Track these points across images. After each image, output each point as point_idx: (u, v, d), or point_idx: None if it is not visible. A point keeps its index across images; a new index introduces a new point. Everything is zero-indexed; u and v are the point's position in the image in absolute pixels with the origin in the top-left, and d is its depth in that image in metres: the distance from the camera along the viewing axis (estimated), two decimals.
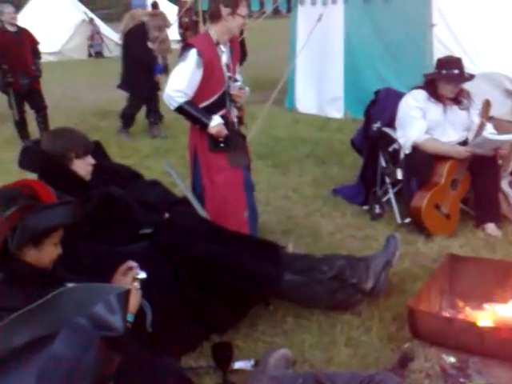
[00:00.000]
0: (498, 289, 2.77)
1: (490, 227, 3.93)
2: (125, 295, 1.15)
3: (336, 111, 8.37)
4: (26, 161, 2.76)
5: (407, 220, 4.15)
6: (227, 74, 3.51)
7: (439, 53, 6.45)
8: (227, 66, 3.52)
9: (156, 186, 3.20)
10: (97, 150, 2.96)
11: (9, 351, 1.05)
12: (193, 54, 3.37)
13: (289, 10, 9.50)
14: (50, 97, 9.45)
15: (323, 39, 8.11)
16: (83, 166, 2.81)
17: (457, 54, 6.22)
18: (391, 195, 4.42)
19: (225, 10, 3.37)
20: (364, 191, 4.69)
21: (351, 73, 8.04)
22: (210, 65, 3.40)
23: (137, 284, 2.18)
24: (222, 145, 3.44)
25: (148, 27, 7.42)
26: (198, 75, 3.38)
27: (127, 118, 7.65)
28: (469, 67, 5.42)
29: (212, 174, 3.53)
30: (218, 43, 3.47)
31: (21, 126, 7.39)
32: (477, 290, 2.81)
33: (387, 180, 4.46)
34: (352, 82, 7.98)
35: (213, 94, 3.48)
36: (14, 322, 1.07)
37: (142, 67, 7.26)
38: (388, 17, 7.51)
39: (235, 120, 3.61)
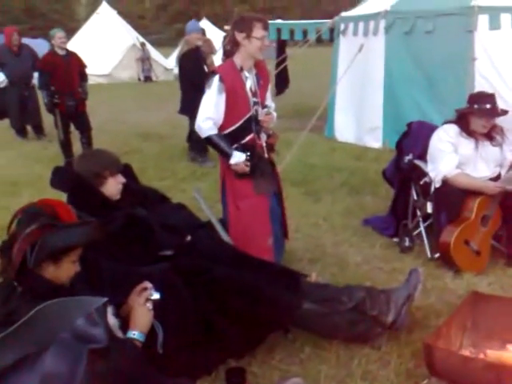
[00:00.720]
0: None
1: None
2: (103, 307, 1.20)
3: (374, 141, 8.36)
4: (56, 181, 2.89)
5: (437, 255, 4.09)
6: (253, 100, 3.58)
7: (480, 87, 6.41)
8: (253, 91, 3.59)
9: (181, 210, 3.28)
10: (126, 172, 3.06)
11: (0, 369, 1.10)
12: (215, 80, 3.48)
13: (331, 39, 9.62)
14: (97, 118, 9.81)
15: (364, 69, 8.17)
16: (115, 185, 2.94)
17: (498, 89, 6.21)
18: (422, 229, 4.37)
19: (240, 36, 3.46)
20: (395, 223, 4.65)
21: (391, 103, 8.03)
22: (232, 90, 3.48)
23: (149, 305, 2.24)
24: (247, 171, 3.50)
25: (203, 52, 7.55)
26: (222, 100, 3.48)
27: (198, 145, 7.31)
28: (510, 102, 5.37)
29: (237, 200, 3.58)
30: (242, 69, 3.56)
31: (65, 145, 7.63)
32: (500, 329, 2.75)
33: (418, 213, 4.42)
34: (391, 113, 7.97)
35: (238, 119, 3.55)
36: (2, 342, 1.12)
37: (199, 91, 7.32)
38: (429, 49, 7.49)
39: (264, 146, 3.66)
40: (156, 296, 2.28)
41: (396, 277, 3.87)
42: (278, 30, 10.72)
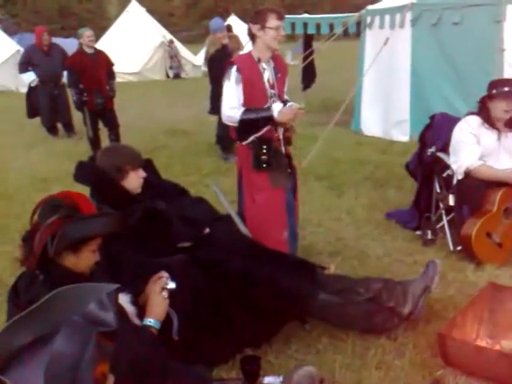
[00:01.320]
0: None
1: None
2: (114, 293, 1.27)
3: (401, 134, 8.30)
4: (80, 175, 2.98)
5: (459, 247, 4.07)
6: (270, 91, 3.61)
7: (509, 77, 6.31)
8: (270, 83, 3.62)
9: (200, 203, 3.34)
10: (147, 167, 3.13)
11: (14, 351, 1.18)
12: (233, 71, 3.53)
13: (358, 32, 9.57)
14: (126, 115, 9.98)
15: (390, 62, 8.13)
16: (136, 179, 3.01)
17: None
18: (444, 221, 4.35)
19: (254, 27, 3.51)
20: (417, 216, 4.64)
21: (417, 96, 7.97)
22: (249, 81, 3.53)
23: (165, 293, 2.31)
24: (264, 165, 3.53)
25: (231, 50, 7.54)
26: (240, 91, 3.53)
27: (224, 141, 7.42)
28: None
29: (253, 192, 3.62)
30: (259, 61, 3.59)
31: (94, 142, 7.80)
32: None
33: (441, 206, 4.40)
34: (418, 106, 7.90)
35: None
36: (16, 325, 1.19)
37: None
38: (456, 40, 7.41)
39: (281, 139, 3.69)
40: (172, 285, 2.35)
41: (417, 269, 3.85)
42: (305, 25, 10.71)
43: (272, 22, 3.47)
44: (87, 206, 2.11)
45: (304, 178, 6.10)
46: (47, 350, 1.19)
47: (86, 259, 2.12)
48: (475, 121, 3.98)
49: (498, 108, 3.88)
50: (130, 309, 2.28)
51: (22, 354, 1.20)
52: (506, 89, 3.80)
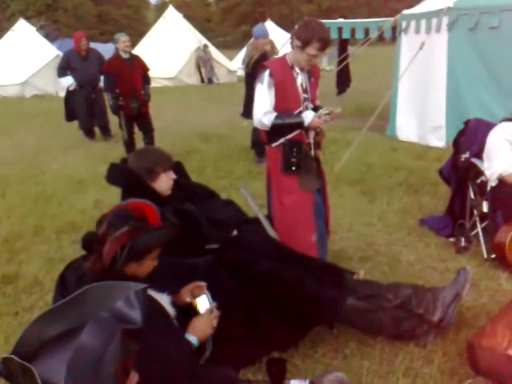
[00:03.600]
0: None
1: None
2: (142, 292, 1.29)
3: (437, 140, 8.18)
4: (112, 176, 3.04)
5: (493, 255, 3.98)
6: (303, 96, 3.61)
7: None
8: (303, 87, 3.61)
9: (229, 205, 3.36)
10: (177, 169, 3.17)
11: (43, 341, 1.22)
12: (265, 75, 3.54)
13: (394, 37, 9.49)
14: (162, 119, 10.14)
15: (426, 67, 8.03)
16: (166, 181, 3.07)
17: None
18: (479, 229, 4.27)
19: (296, 42, 3.48)
20: (451, 223, 4.56)
21: (454, 101, 7.85)
22: (281, 85, 3.52)
23: (215, 322, 2.41)
24: (293, 168, 3.53)
25: (268, 55, 7.45)
26: (272, 95, 3.54)
27: (259, 146, 7.38)
28: None
29: (282, 195, 3.62)
30: (293, 66, 3.59)
31: (129, 145, 7.91)
32: None
33: (475, 212, 4.32)
34: (455, 111, 7.77)
35: None
36: (47, 316, 1.24)
37: None
38: (494, 45, 7.28)
39: (311, 143, 3.68)
40: (212, 304, 2.45)
41: (449, 277, 3.78)
42: (340, 29, 10.67)
43: (312, 50, 3.43)
44: (154, 216, 2.19)
45: (336, 183, 6.08)
46: (73, 343, 1.23)
47: (146, 267, 2.20)
48: (510, 127, 3.90)
49: None
50: (170, 310, 2.33)
51: (49, 345, 1.24)
52: None
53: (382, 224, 4.97)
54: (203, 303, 2.48)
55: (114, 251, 2.04)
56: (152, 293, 2.27)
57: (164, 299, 2.38)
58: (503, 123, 4.00)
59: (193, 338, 2.35)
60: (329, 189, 4.01)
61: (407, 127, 8.83)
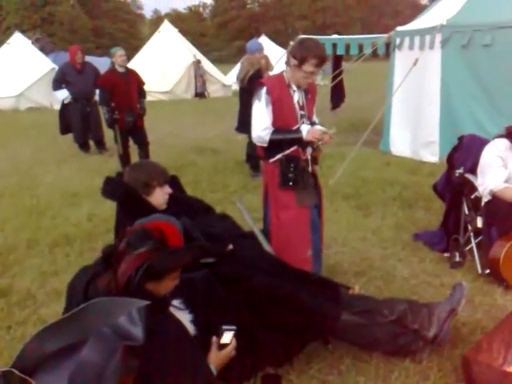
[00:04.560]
0: None
1: None
2: (145, 309, 1.29)
3: (431, 155, 8.24)
4: (107, 190, 3.04)
5: (487, 270, 3.99)
6: (300, 113, 3.63)
7: None
8: (300, 104, 3.63)
9: (224, 219, 3.36)
10: (173, 183, 3.18)
11: (42, 357, 1.21)
12: (263, 92, 3.56)
13: (388, 53, 9.57)
14: (157, 133, 10.14)
15: (420, 83, 8.10)
16: (162, 195, 3.08)
17: None
18: (473, 244, 4.28)
19: (292, 61, 3.51)
20: (446, 238, 4.57)
21: (447, 117, 7.92)
22: (278, 102, 3.55)
23: (233, 352, 2.45)
24: (291, 183, 3.55)
25: (262, 70, 7.45)
26: (270, 112, 3.56)
27: (254, 159, 7.46)
28: None
29: (279, 210, 3.63)
30: (289, 84, 3.62)
31: (124, 159, 7.91)
32: None
33: (469, 228, 4.34)
34: (448, 127, 7.84)
35: None
36: (49, 331, 1.23)
37: None
38: (487, 62, 7.38)
39: (309, 159, 3.69)
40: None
41: (444, 292, 3.79)
42: (334, 45, 10.77)
43: (309, 67, 3.46)
44: (175, 237, 2.17)
45: (331, 197, 6.09)
46: (74, 358, 1.22)
47: (165, 286, 2.18)
48: (503, 144, 3.96)
49: None
50: (190, 328, 2.34)
51: (50, 360, 1.23)
52: None
53: (377, 238, 4.98)
54: (228, 337, 2.46)
55: (129, 272, 2.02)
56: (173, 310, 2.27)
57: (185, 317, 2.37)
58: (496, 140, 4.04)
59: (212, 367, 2.34)
60: (324, 203, 4.01)
61: (401, 142, 8.89)
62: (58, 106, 10.73)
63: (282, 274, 2.94)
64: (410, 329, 2.90)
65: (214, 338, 2.43)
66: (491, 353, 2.60)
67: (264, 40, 22.94)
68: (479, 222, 4.10)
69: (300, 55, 3.45)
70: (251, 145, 7.13)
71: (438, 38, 7.82)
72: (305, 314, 2.78)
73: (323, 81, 19.79)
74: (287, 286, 2.83)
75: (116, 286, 2.03)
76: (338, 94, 12.35)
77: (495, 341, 2.67)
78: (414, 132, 8.58)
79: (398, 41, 8.79)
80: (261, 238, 3.38)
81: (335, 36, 12.01)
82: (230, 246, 3.05)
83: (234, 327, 2.45)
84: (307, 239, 3.63)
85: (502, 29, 7.13)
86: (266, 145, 3.62)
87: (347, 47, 10.59)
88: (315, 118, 3.83)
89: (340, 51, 10.82)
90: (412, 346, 2.92)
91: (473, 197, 4.26)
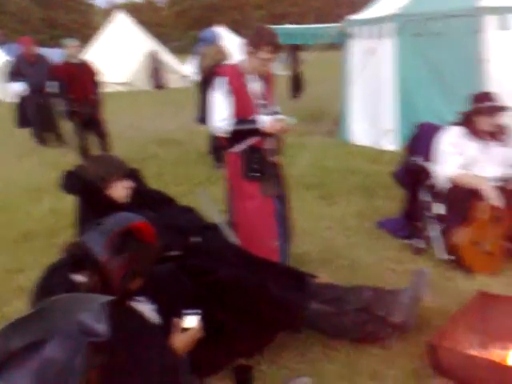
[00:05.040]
0: None
1: None
2: (108, 304, 1.27)
3: (390, 144, 8.34)
4: (67, 184, 2.99)
5: (450, 256, 4.08)
6: (259, 102, 3.63)
7: (492, 88, 6.37)
8: (258, 93, 3.64)
9: (188, 212, 3.34)
10: (134, 176, 3.14)
11: (7, 354, 1.18)
12: (222, 82, 3.56)
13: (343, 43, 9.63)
14: (116, 125, 9.95)
15: (375, 72, 8.19)
16: (122, 188, 3.04)
17: (510, 89, 6.17)
18: (434, 230, 4.37)
19: (248, 48, 3.52)
20: (407, 225, 4.66)
21: (405, 105, 8.02)
22: (237, 92, 3.55)
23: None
24: (255, 173, 3.55)
25: (218, 60, 7.42)
26: (228, 102, 3.55)
27: (217, 151, 7.26)
28: None
29: (244, 200, 3.63)
30: (247, 72, 3.61)
31: (83, 151, 7.74)
32: (509, 329, 2.75)
33: (426, 214, 4.42)
34: (406, 115, 7.93)
35: None
36: (11, 329, 1.20)
37: None
38: (439, 51, 7.49)
39: (270, 148, 3.69)
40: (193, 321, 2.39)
41: (408, 278, 3.85)
42: (289, 35, 10.78)
43: (263, 54, 3.48)
44: (150, 233, 2.24)
45: (295, 188, 6.09)
46: (38, 356, 1.20)
47: (139, 282, 2.24)
48: (457, 131, 4.06)
49: (483, 122, 3.97)
50: (155, 318, 2.34)
51: (14, 358, 1.20)
52: (491, 104, 3.89)
53: (341, 227, 5.03)
54: (192, 321, 2.42)
55: (118, 280, 2.09)
56: (133, 302, 2.25)
57: (147, 307, 2.34)
58: (451, 127, 4.15)
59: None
60: (287, 194, 4.03)
61: (360, 131, 8.96)
62: (10, 99, 10.42)
63: (248, 265, 2.94)
64: (376, 315, 2.94)
65: (175, 321, 2.39)
66: (456, 337, 2.68)
67: (222, 30, 22.76)
68: (438, 208, 4.18)
69: (254, 42, 3.46)
70: (214, 136, 7.12)
71: (391, 26, 7.89)
72: (273, 305, 2.78)
73: (281, 70, 19.83)
74: (254, 277, 2.83)
75: (106, 287, 2.04)
76: (297, 84, 12.39)
77: (459, 325, 2.74)
78: (373, 121, 8.66)
79: (350, 30, 8.83)
80: (226, 229, 3.37)
81: (290, 26, 12.05)
82: (196, 238, 3.03)
83: (198, 311, 2.42)
84: (273, 229, 3.64)
85: (453, 17, 7.25)
86: (225, 135, 3.61)
87: (302, 37, 10.65)
88: (276, 107, 3.83)
89: (295, 41, 10.86)
90: (379, 332, 2.96)
91: (430, 184, 4.34)
